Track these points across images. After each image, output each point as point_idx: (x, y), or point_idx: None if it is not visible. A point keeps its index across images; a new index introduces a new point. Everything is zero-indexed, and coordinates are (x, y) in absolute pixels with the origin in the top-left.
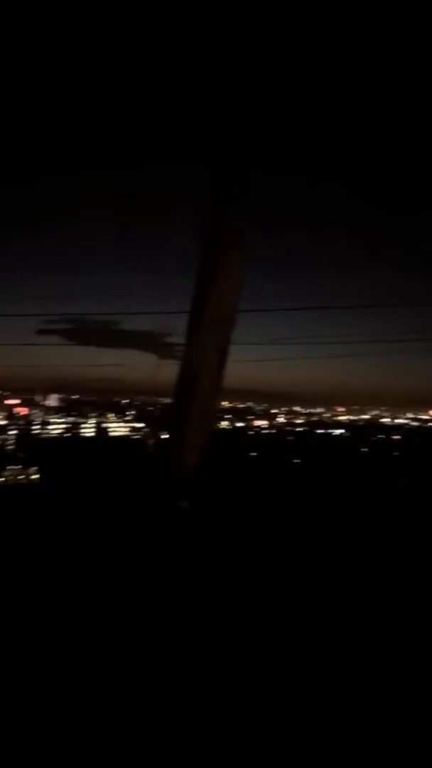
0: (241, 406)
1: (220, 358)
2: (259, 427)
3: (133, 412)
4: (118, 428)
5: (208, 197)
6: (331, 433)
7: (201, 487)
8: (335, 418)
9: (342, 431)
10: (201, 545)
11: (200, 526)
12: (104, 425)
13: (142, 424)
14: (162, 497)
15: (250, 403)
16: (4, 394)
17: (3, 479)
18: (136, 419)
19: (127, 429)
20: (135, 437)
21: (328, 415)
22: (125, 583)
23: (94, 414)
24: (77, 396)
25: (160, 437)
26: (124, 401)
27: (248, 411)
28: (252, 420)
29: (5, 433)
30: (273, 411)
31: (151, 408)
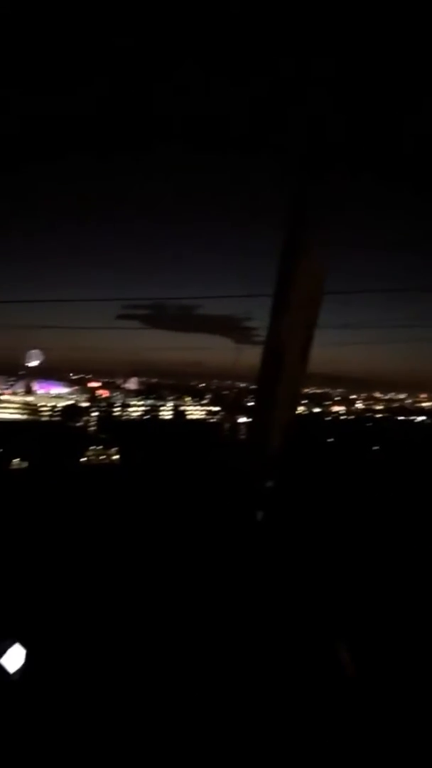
0: (319, 391)
1: (305, 339)
2: (336, 412)
3: (209, 396)
4: (194, 411)
5: (295, 178)
6: (412, 419)
7: (285, 467)
8: (417, 405)
9: (424, 418)
10: (284, 529)
11: (283, 509)
12: (182, 408)
13: (217, 408)
14: (246, 477)
15: (327, 389)
16: (87, 377)
17: (85, 459)
18: (212, 403)
19: (204, 412)
20: (211, 420)
21: (410, 401)
22: (210, 564)
23: (171, 397)
24: (156, 379)
25: (235, 421)
26: (200, 385)
27: (326, 396)
28: (329, 405)
29: (88, 415)
30: (352, 397)
31: (227, 392)
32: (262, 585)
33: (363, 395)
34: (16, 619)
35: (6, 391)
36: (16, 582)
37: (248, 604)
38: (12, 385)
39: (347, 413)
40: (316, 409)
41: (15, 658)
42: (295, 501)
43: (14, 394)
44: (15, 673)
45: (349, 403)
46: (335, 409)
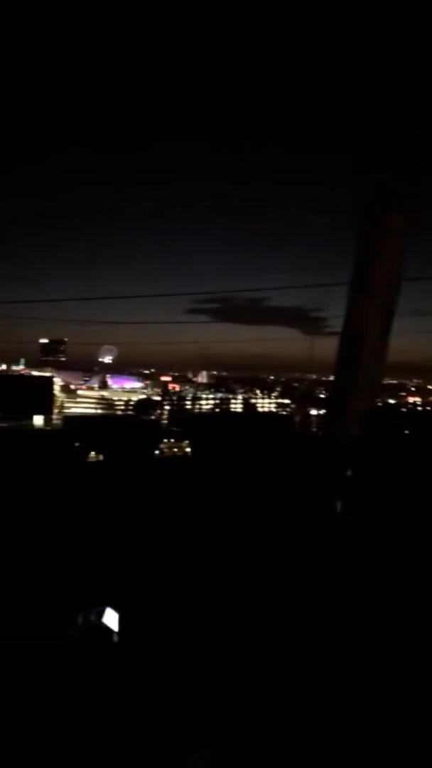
0: (393, 381)
1: (384, 324)
2: (412, 403)
3: (279, 389)
4: (265, 404)
5: (372, 161)
6: None
7: (364, 456)
8: None
9: None
10: (366, 520)
11: (364, 498)
12: (252, 401)
13: (288, 401)
14: (324, 466)
15: (402, 379)
16: (158, 371)
17: (158, 452)
18: (282, 395)
19: (274, 405)
20: (282, 413)
21: None
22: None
23: (241, 390)
24: (225, 373)
25: (307, 413)
26: (270, 377)
27: (401, 387)
28: (404, 396)
29: (161, 409)
30: (430, 387)
31: (297, 384)
32: (342, 582)
33: None
34: (111, 589)
35: (82, 387)
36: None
37: (327, 602)
38: (88, 381)
39: (423, 404)
40: (391, 401)
41: (111, 621)
42: (376, 491)
43: (90, 389)
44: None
45: (426, 394)
46: (410, 399)
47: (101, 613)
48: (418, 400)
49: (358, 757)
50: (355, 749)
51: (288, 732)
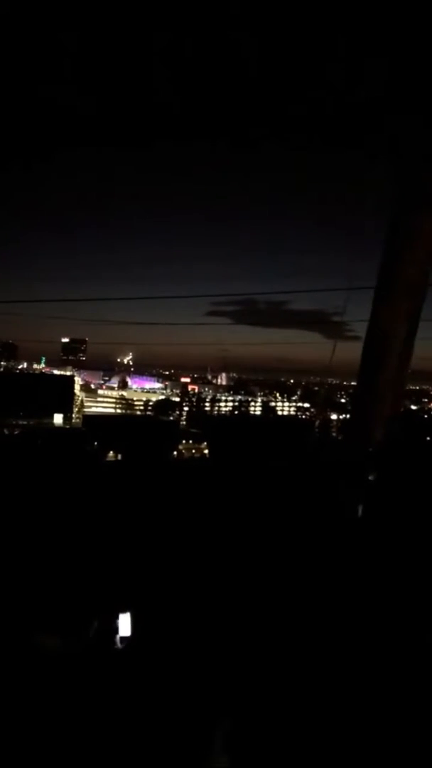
0: (416, 387)
1: (410, 327)
2: None
3: (299, 392)
4: (284, 408)
5: (401, 161)
6: None
7: (388, 459)
8: None
9: None
10: (388, 524)
11: (387, 502)
12: (271, 404)
13: (307, 405)
14: (346, 470)
15: (426, 386)
16: (178, 372)
17: (176, 453)
18: (302, 399)
19: (294, 408)
20: (302, 417)
21: None
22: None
23: (261, 393)
24: (245, 375)
25: (327, 417)
26: (290, 381)
27: (424, 393)
28: (428, 403)
29: (179, 410)
30: None
31: (317, 388)
32: (362, 584)
33: None
34: (124, 593)
35: (102, 386)
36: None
37: (345, 604)
38: (108, 380)
39: None
40: (413, 407)
41: (124, 626)
42: (398, 495)
43: (110, 388)
44: (124, 640)
45: None
46: None
47: (113, 618)
48: None
49: (361, 745)
50: (359, 739)
51: (296, 720)
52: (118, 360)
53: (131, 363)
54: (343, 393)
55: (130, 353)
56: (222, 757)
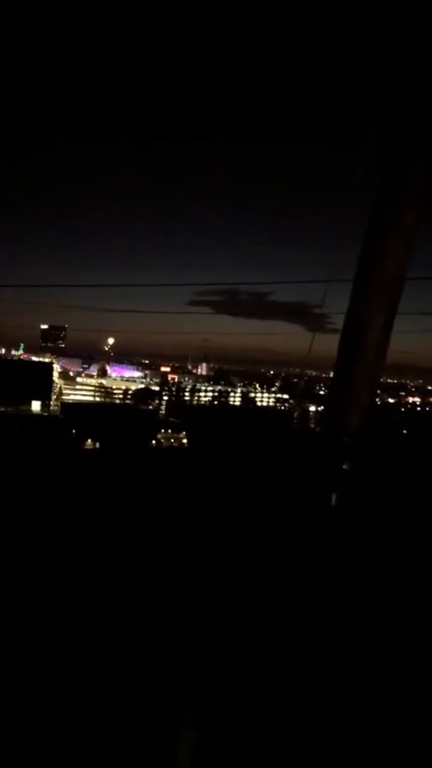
0: (394, 381)
1: (386, 319)
2: (412, 403)
3: (278, 383)
4: (264, 398)
5: (379, 155)
6: None
7: (363, 449)
8: None
9: None
10: (361, 513)
11: (361, 492)
12: (251, 395)
13: (287, 396)
14: (320, 459)
15: (402, 379)
16: (158, 361)
17: (155, 442)
18: (282, 390)
19: (273, 399)
20: (280, 408)
21: None
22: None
23: (241, 384)
24: (226, 365)
25: (305, 409)
26: (270, 372)
27: (401, 387)
28: (404, 396)
29: (159, 399)
30: (430, 387)
31: (297, 380)
32: (333, 573)
33: None
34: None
35: (81, 374)
36: (80, 557)
37: (319, 594)
38: (87, 368)
39: (422, 404)
40: (391, 400)
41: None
42: (373, 485)
43: (89, 376)
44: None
45: (426, 395)
46: (410, 399)
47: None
48: (417, 400)
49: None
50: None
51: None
52: (98, 348)
53: (111, 351)
54: (321, 385)
55: (111, 341)
56: (192, 734)
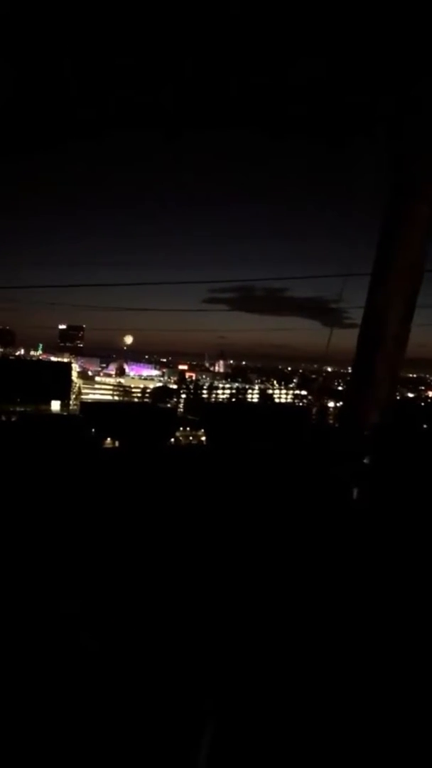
0: (413, 375)
1: (406, 311)
2: None
3: (296, 380)
4: (282, 395)
5: (396, 146)
6: None
7: (383, 445)
8: None
9: None
10: (382, 508)
11: (382, 486)
12: (269, 391)
13: (305, 392)
14: (341, 454)
15: (422, 373)
16: (175, 359)
17: (173, 440)
18: (300, 387)
19: (291, 396)
20: (299, 404)
21: None
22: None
23: (258, 380)
24: (243, 362)
25: (324, 405)
26: (288, 369)
27: (421, 381)
28: (424, 390)
29: (177, 397)
30: None
31: (315, 376)
32: (358, 571)
33: None
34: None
35: (100, 373)
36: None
37: (342, 592)
38: (105, 367)
39: None
40: (410, 394)
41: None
42: (394, 479)
43: (107, 375)
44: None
45: None
46: (430, 394)
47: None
48: None
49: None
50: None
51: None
52: (116, 347)
53: (129, 350)
54: (340, 381)
55: (128, 340)
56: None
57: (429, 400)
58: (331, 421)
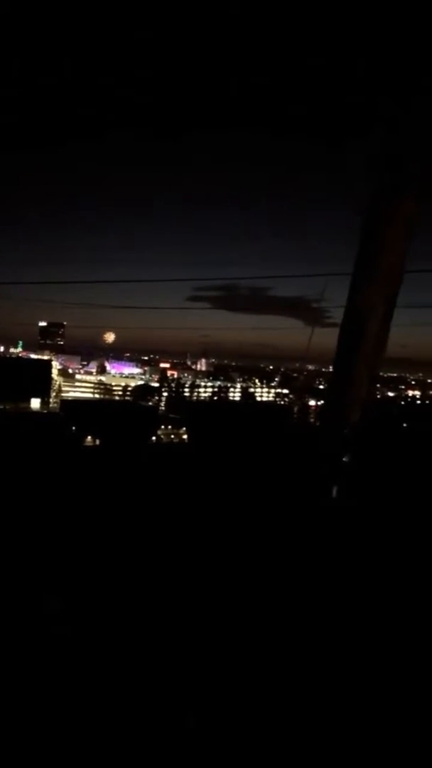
0: (394, 374)
1: (386, 311)
2: (412, 397)
3: (278, 378)
4: (263, 393)
5: (378, 149)
6: None
7: (363, 441)
8: None
9: None
10: (361, 504)
11: (361, 483)
12: (251, 390)
13: (286, 390)
14: (321, 451)
15: (402, 373)
16: (157, 357)
17: (155, 438)
18: (281, 385)
19: (273, 394)
20: (280, 402)
21: None
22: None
23: (240, 379)
24: (225, 361)
25: (305, 403)
26: (269, 367)
27: (401, 380)
28: (404, 390)
29: (158, 395)
30: (430, 381)
31: (296, 374)
32: (337, 565)
33: None
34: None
35: (81, 371)
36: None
37: (322, 586)
38: (86, 365)
39: (422, 398)
40: (391, 393)
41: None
42: (373, 477)
43: (88, 373)
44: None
45: (425, 388)
46: (410, 393)
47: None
48: (417, 393)
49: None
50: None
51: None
52: (97, 345)
53: (111, 348)
54: (321, 379)
55: (110, 338)
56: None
57: (409, 399)
58: (312, 420)
